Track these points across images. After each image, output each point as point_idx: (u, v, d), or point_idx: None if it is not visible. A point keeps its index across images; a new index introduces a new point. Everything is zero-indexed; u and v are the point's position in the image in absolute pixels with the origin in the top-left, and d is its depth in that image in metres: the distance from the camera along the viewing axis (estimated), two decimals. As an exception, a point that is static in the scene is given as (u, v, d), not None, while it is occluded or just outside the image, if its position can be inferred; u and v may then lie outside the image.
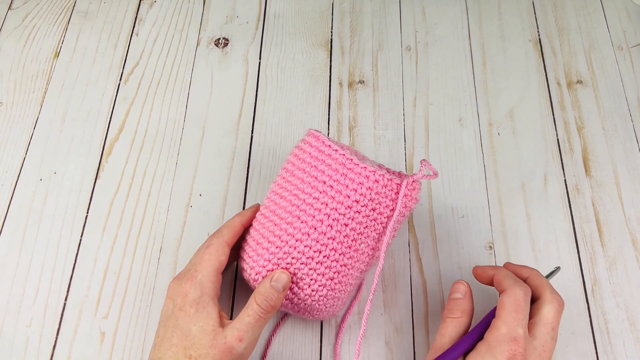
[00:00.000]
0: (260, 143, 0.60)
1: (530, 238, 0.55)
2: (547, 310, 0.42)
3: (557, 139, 0.61)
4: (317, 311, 0.46)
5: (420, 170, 0.45)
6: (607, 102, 0.63)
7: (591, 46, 0.67)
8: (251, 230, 0.47)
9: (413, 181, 0.45)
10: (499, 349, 0.39)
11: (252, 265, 0.45)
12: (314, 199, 0.44)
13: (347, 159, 0.44)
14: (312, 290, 0.44)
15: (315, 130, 0.47)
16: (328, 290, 0.45)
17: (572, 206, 0.57)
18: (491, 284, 0.46)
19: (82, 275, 0.52)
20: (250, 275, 0.45)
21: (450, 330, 0.43)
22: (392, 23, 0.69)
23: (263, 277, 0.44)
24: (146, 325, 0.50)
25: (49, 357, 0.48)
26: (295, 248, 0.44)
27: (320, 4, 0.70)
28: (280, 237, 0.44)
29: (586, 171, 0.59)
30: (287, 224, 0.44)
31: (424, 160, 0.46)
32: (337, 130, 0.61)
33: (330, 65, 0.65)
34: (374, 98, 0.63)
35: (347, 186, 0.43)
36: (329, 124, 0.61)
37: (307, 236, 0.43)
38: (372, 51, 0.66)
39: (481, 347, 0.40)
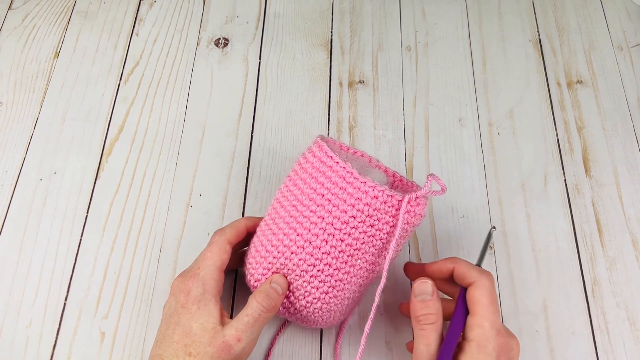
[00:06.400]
0: (260, 143, 0.60)
1: (530, 238, 0.55)
2: (482, 293, 0.41)
3: (557, 139, 0.61)
4: (314, 322, 0.46)
5: (425, 185, 0.43)
6: (607, 102, 0.63)
7: (591, 46, 0.67)
8: (254, 237, 0.47)
9: (416, 197, 0.42)
10: (490, 345, 0.40)
11: (252, 272, 0.45)
12: (310, 211, 0.43)
13: (347, 172, 0.42)
14: (307, 302, 0.44)
15: (321, 138, 0.45)
16: (323, 303, 0.44)
17: (572, 206, 0.57)
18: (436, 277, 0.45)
19: (82, 275, 0.52)
20: (250, 281, 0.46)
21: (434, 337, 0.41)
22: (392, 23, 0.69)
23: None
24: (146, 325, 0.50)
25: (49, 357, 0.48)
26: (290, 260, 0.43)
27: (320, 4, 0.70)
28: (277, 248, 0.44)
29: (586, 171, 0.59)
30: (284, 235, 0.44)
31: (431, 175, 0.43)
32: (337, 130, 0.61)
33: (330, 65, 0.65)
34: (374, 98, 0.63)
35: (344, 201, 0.42)
36: (329, 124, 0.61)
37: (301, 249, 0.43)
38: (372, 51, 0.66)
39: (470, 347, 0.40)
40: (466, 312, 0.42)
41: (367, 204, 0.42)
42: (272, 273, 0.44)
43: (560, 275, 0.53)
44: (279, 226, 0.44)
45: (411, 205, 0.42)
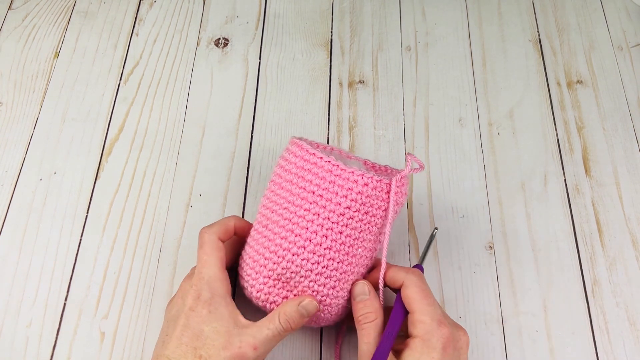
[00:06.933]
0: (260, 143, 0.60)
1: (530, 238, 0.55)
2: (413, 290, 0.43)
3: (557, 139, 0.61)
4: (324, 319, 0.46)
5: (407, 165, 0.45)
6: (607, 102, 0.63)
7: (591, 46, 0.67)
8: (247, 248, 0.46)
9: (402, 177, 0.45)
10: (433, 338, 0.40)
11: (252, 283, 0.45)
12: (305, 210, 0.43)
13: (334, 165, 0.43)
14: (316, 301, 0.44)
15: (298, 139, 0.46)
16: (331, 299, 0.44)
17: (572, 206, 0.57)
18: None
19: (82, 275, 0.52)
20: (251, 293, 0.45)
21: (374, 335, 0.42)
22: (392, 23, 0.69)
23: (265, 294, 0.44)
24: (146, 325, 0.50)
25: (49, 357, 0.48)
26: (292, 262, 0.43)
27: (320, 4, 0.70)
28: (276, 253, 0.43)
29: (586, 171, 0.59)
30: (282, 238, 0.43)
31: (409, 154, 0.45)
32: (337, 130, 0.61)
33: (330, 65, 0.65)
34: (374, 98, 0.63)
35: (336, 194, 0.43)
36: (329, 124, 0.61)
37: (302, 249, 0.43)
38: (372, 51, 0.66)
39: (414, 342, 0.41)
40: (406, 312, 0.43)
41: (359, 192, 0.43)
42: (274, 280, 0.44)
43: (560, 275, 0.53)
44: (274, 231, 0.44)
45: (398, 186, 0.44)
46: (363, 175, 0.43)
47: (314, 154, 0.44)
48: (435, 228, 0.49)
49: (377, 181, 0.43)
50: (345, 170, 0.43)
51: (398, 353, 0.41)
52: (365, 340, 0.42)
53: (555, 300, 0.52)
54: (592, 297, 0.52)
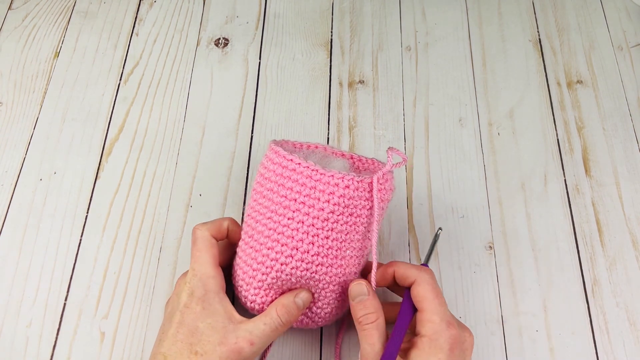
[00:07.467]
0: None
1: (530, 238, 0.55)
2: (425, 289, 0.42)
3: (557, 139, 0.61)
4: (318, 321, 0.46)
5: (388, 160, 0.44)
6: (607, 102, 0.63)
7: (591, 46, 0.67)
8: (237, 258, 0.46)
9: (383, 174, 0.43)
10: (441, 339, 0.40)
11: (245, 294, 0.45)
12: (288, 219, 0.42)
13: (313, 170, 0.42)
14: (309, 304, 0.45)
15: (275, 144, 0.45)
16: (324, 297, 0.45)
17: (572, 206, 0.57)
18: (389, 285, 0.46)
19: (82, 275, 0.52)
20: (246, 304, 0.46)
21: (377, 335, 0.41)
22: (392, 23, 0.69)
23: (259, 305, 0.45)
24: (146, 325, 0.50)
25: (49, 357, 0.48)
26: (282, 272, 0.43)
27: (320, 4, 0.70)
28: (264, 264, 0.43)
29: (586, 171, 0.59)
30: (268, 249, 0.43)
31: (390, 148, 0.44)
32: (337, 130, 0.61)
33: (330, 65, 0.65)
34: (374, 98, 0.63)
35: (318, 199, 0.42)
36: (329, 124, 0.61)
37: (290, 258, 0.42)
38: (372, 51, 0.66)
39: (422, 342, 0.40)
40: (414, 310, 0.43)
41: (341, 195, 0.42)
42: (265, 290, 0.44)
43: (560, 275, 0.53)
44: (260, 242, 0.44)
45: (380, 183, 0.43)
46: (343, 177, 0.42)
47: (291, 159, 0.43)
48: (440, 228, 0.49)
49: (358, 182, 0.42)
50: (324, 174, 0.42)
51: (404, 352, 0.41)
52: (369, 342, 0.41)
53: (555, 300, 0.52)
54: (592, 297, 0.52)
